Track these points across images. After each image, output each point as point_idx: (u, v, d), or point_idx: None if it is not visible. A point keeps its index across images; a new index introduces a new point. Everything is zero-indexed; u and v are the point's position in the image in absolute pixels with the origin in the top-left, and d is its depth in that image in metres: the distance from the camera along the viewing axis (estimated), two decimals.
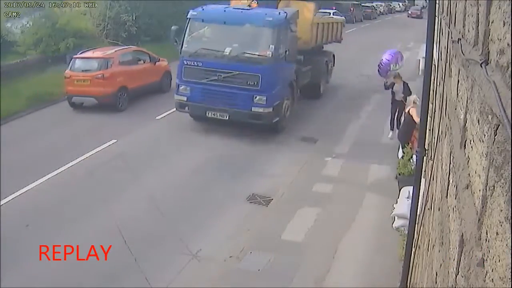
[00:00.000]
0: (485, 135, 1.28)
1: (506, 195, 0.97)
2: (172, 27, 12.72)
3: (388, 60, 11.77)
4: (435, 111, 4.36)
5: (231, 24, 11.59)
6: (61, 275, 6.65)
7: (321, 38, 15.20)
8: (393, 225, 7.41)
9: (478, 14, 1.57)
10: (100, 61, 14.10)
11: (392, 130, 11.73)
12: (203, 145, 11.47)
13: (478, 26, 1.56)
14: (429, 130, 5.00)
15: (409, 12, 49.17)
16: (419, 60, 19.22)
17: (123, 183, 9.54)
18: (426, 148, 4.34)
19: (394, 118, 11.70)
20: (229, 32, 11.69)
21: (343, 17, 37.73)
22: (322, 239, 7.59)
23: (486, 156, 1.21)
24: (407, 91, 10.99)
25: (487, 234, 1.12)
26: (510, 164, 0.97)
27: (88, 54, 14.64)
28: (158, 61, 15.97)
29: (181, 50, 11.96)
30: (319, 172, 10.13)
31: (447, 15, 3.39)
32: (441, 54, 4.54)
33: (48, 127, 12.92)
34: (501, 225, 1.00)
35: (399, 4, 56.71)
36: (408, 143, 9.00)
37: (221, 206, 8.64)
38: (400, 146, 9.52)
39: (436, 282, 2.22)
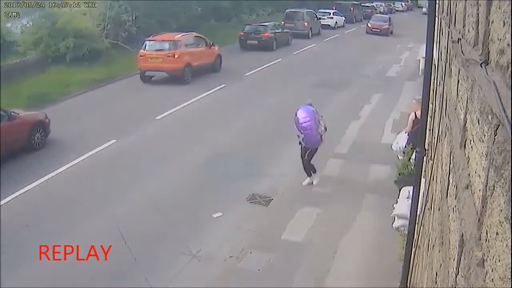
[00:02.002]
0: (485, 135, 1.28)
1: (506, 195, 0.97)
2: None
3: (306, 123, 9.28)
4: (435, 111, 4.36)
5: None
6: (61, 275, 6.65)
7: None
8: (393, 225, 7.41)
9: (478, 14, 1.57)
10: (170, 42, 17.70)
11: (311, 175, 9.62)
12: (203, 145, 11.48)
13: (478, 26, 1.56)
14: (429, 130, 5.00)
15: (369, 24, 34.78)
16: (419, 60, 19.24)
17: (123, 183, 9.54)
18: (426, 148, 4.34)
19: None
20: None
21: (343, 17, 37.96)
22: (322, 239, 7.59)
23: (486, 156, 1.21)
24: None
25: (487, 234, 1.12)
26: (510, 164, 0.97)
27: (159, 37, 18.38)
28: (212, 45, 19.56)
29: None
30: (319, 172, 10.12)
31: (447, 15, 3.39)
32: (441, 54, 4.54)
33: None
34: (501, 225, 1.00)
35: (401, 4, 56.63)
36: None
37: (221, 206, 8.63)
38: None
39: (436, 282, 2.22)
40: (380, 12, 49.18)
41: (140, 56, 17.62)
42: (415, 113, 9.27)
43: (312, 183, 9.47)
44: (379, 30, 33.65)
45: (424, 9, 48.55)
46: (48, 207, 8.58)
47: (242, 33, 25.53)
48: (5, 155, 10.16)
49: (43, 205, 8.66)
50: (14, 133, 10.58)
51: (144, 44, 18.08)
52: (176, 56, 17.30)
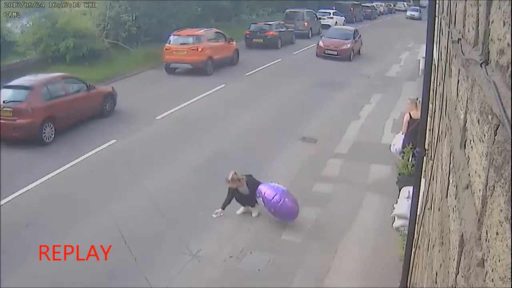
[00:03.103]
0: (485, 135, 1.28)
1: (506, 195, 0.97)
2: None
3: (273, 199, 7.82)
4: (435, 111, 4.36)
5: None
6: (61, 275, 6.66)
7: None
8: (393, 225, 7.41)
9: (478, 14, 1.57)
10: (194, 37, 19.26)
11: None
12: (203, 145, 11.48)
13: (478, 26, 1.56)
14: (429, 130, 5.00)
15: (321, 43, 23.52)
16: (419, 60, 19.23)
17: (123, 183, 9.54)
18: (426, 148, 4.34)
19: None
20: None
21: (343, 17, 37.95)
22: (322, 239, 7.59)
23: (486, 156, 1.21)
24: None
25: (487, 234, 1.12)
26: (510, 164, 0.97)
27: (183, 32, 20.08)
28: (231, 41, 20.99)
29: None
30: (319, 172, 10.13)
31: (447, 15, 3.39)
32: (441, 54, 4.54)
33: None
34: (501, 225, 1.00)
35: (403, 3, 56.36)
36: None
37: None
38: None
39: (436, 282, 2.22)
40: (380, 12, 49.08)
41: (166, 49, 19.02)
42: (409, 113, 9.26)
43: (251, 214, 8.38)
44: (335, 53, 22.64)
45: (409, 13, 46.51)
46: (48, 207, 8.58)
47: (247, 32, 25.73)
48: (84, 118, 12.75)
49: (43, 205, 8.66)
50: (91, 101, 13.16)
51: (168, 39, 19.51)
52: (199, 50, 18.77)
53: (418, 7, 48.35)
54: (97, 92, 13.49)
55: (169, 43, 19.27)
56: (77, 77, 13.58)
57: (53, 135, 11.69)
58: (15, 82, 12.24)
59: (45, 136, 11.49)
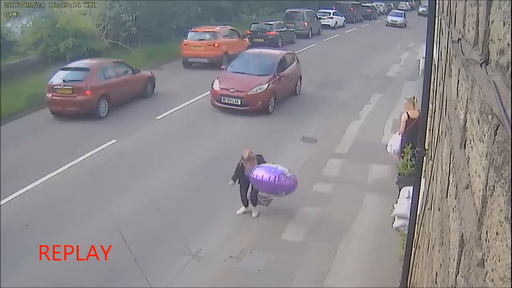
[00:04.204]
0: (485, 135, 1.28)
1: (506, 195, 0.97)
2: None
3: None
4: (435, 111, 4.36)
5: None
6: (61, 275, 6.65)
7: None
8: (393, 225, 7.40)
9: (478, 14, 1.57)
10: (211, 33, 20.49)
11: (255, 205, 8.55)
12: (203, 145, 11.48)
13: (478, 26, 1.56)
14: (429, 130, 5.00)
15: (215, 88, 14.01)
16: (419, 60, 19.23)
17: (123, 183, 9.54)
18: (426, 148, 4.34)
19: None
20: None
21: (343, 17, 37.94)
22: (322, 239, 7.59)
23: (486, 156, 1.21)
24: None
25: (487, 234, 1.12)
26: (510, 164, 0.97)
27: (200, 29, 21.37)
28: (244, 37, 22.55)
29: None
30: (319, 172, 10.13)
31: (447, 15, 3.39)
32: (441, 54, 4.54)
33: (48, 127, 12.93)
34: (501, 225, 1.00)
35: (406, 3, 56.07)
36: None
37: (221, 206, 8.63)
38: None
39: (436, 282, 2.22)
40: (380, 12, 48.97)
41: (184, 44, 20.22)
42: (407, 113, 9.24)
43: (251, 214, 8.36)
44: (238, 102, 13.68)
45: (390, 18, 39.98)
46: (48, 207, 8.57)
47: (248, 32, 25.84)
48: (129, 98, 14.63)
49: (43, 205, 8.65)
50: (137, 83, 15.17)
51: (186, 35, 20.81)
52: (216, 45, 19.92)
53: (402, 11, 43.59)
54: (141, 75, 15.43)
55: (187, 39, 20.40)
56: (125, 62, 15.59)
57: (107, 110, 13.64)
58: (72, 64, 14.54)
59: (100, 111, 13.42)
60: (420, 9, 48.04)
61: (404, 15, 40.98)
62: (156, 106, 14.61)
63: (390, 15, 41.61)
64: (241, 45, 21.73)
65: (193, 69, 19.89)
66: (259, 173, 7.86)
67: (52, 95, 13.27)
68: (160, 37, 24.21)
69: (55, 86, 13.28)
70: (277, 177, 7.72)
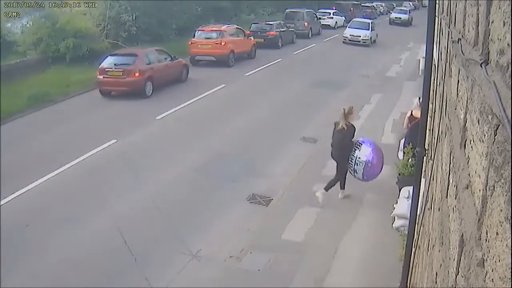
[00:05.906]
0: (485, 135, 1.28)
1: (506, 195, 0.97)
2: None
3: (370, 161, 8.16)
4: (435, 111, 4.36)
5: None
6: (61, 274, 6.66)
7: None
8: (393, 225, 7.41)
9: (478, 14, 1.57)
10: (217, 32, 21.15)
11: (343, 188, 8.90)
12: (203, 145, 11.47)
13: (478, 26, 1.56)
14: (429, 130, 5.00)
15: None
16: (419, 60, 19.22)
17: (123, 183, 9.54)
18: (426, 148, 4.34)
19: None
20: None
21: (343, 17, 37.94)
22: (322, 239, 7.59)
23: (486, 156, 1.21)
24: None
25: (487, 234, 1.12)
26: (510, 164, 0.97)
27: (207, 28, 22.02)
28: (249, 37, 23.12)
29: None
30: (319, 172, 10.12)
31: (447, 15, 3.39)
32: (441, 54, 4.54)
33: (48, 127, 12.94)
34: (501, 225, 1.00)
35: (409, 3, 55.79)
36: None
37: (221, 206, 8.64)
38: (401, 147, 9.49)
39: (436, 282, 2.22)
40: (380, 12, 48.94)
41: (191, 43, 20.93)
42: (411, 111, 9.30)
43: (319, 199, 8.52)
44: None
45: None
46: (48, 207, 8.58)
47: (248, 32, 25.82)
48: (167, 82, 16.68)
49: (43, 205, 8.66)
50: (175, 68, 17.36)
51: (193, 33, 21.44)
52: (222, 44, 20.61)
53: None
54: (178, 62, 17.57)
55: (194, 37, 21.07)
56: (165, 50, 17.73)
57: (152, 90, 15.70)
58: (121, 51, 17.56)
59: (146, 91, 15.49)
60: (393, 15, 42.01)
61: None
62: (158, 104, 14.63)
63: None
64: (246, 43, 22.41)
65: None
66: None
67: (104, 77, 15.24)
68: (160, 37, 24.19)
69: (107, 69, 15.24)
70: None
